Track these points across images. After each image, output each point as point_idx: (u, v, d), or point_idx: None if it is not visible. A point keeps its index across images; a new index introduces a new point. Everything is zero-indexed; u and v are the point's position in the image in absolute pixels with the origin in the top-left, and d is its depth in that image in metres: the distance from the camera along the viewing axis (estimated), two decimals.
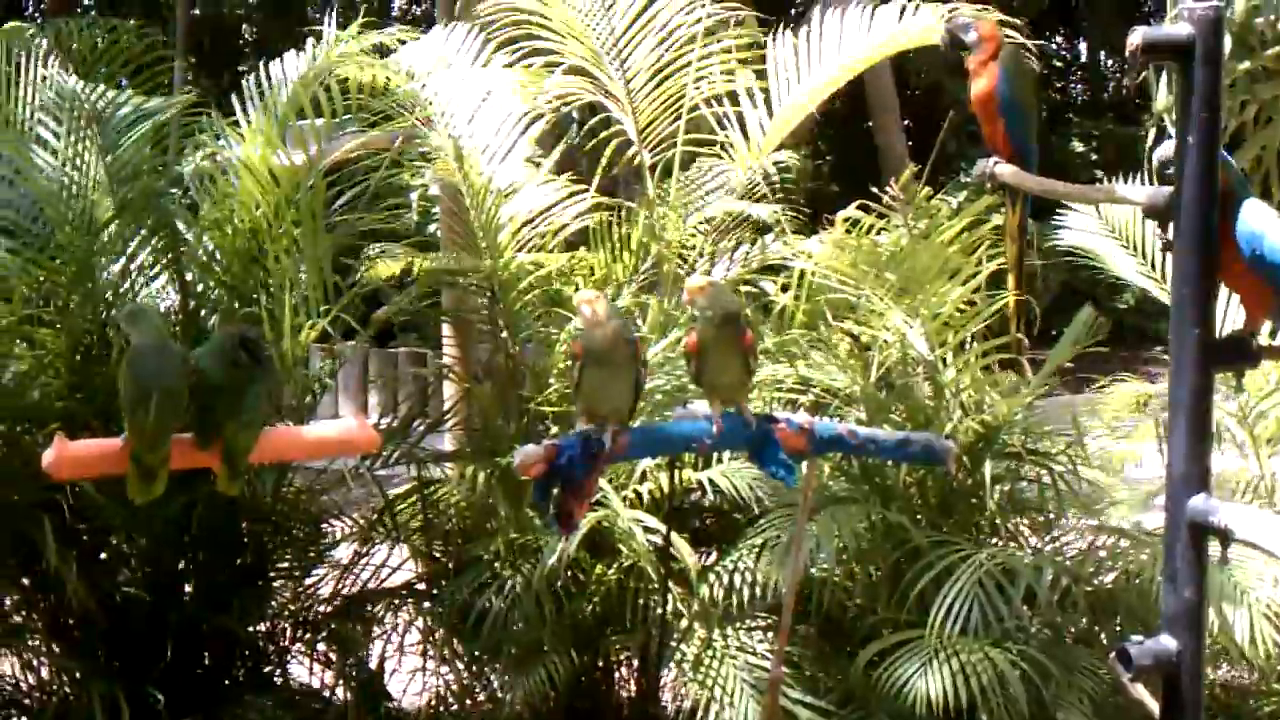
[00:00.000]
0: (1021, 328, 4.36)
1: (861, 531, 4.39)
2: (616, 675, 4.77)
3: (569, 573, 4.46)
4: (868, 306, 4.81)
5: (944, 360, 4.73)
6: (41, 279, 4.54)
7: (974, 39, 4.45)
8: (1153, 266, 5.33)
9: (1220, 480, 4.66)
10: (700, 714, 4.20)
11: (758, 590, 4.32)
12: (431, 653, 4.75)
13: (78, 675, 4.39)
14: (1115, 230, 5.51)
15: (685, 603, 4.41)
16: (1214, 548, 2.50)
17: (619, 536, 4.39)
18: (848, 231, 4.79)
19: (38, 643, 4.58)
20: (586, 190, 5.04)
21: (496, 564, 4.46)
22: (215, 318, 4.67)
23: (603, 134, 5.23)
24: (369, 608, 4.79)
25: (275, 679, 4.76)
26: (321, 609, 4.82)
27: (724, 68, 5.19)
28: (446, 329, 6.38)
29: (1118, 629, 4.37)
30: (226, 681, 4.63)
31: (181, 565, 4.57)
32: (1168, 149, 2.91)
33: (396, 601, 4.84)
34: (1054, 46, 23.74)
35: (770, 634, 4.37)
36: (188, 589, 4.64)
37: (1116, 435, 5.24)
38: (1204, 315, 2.53)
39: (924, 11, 4.91)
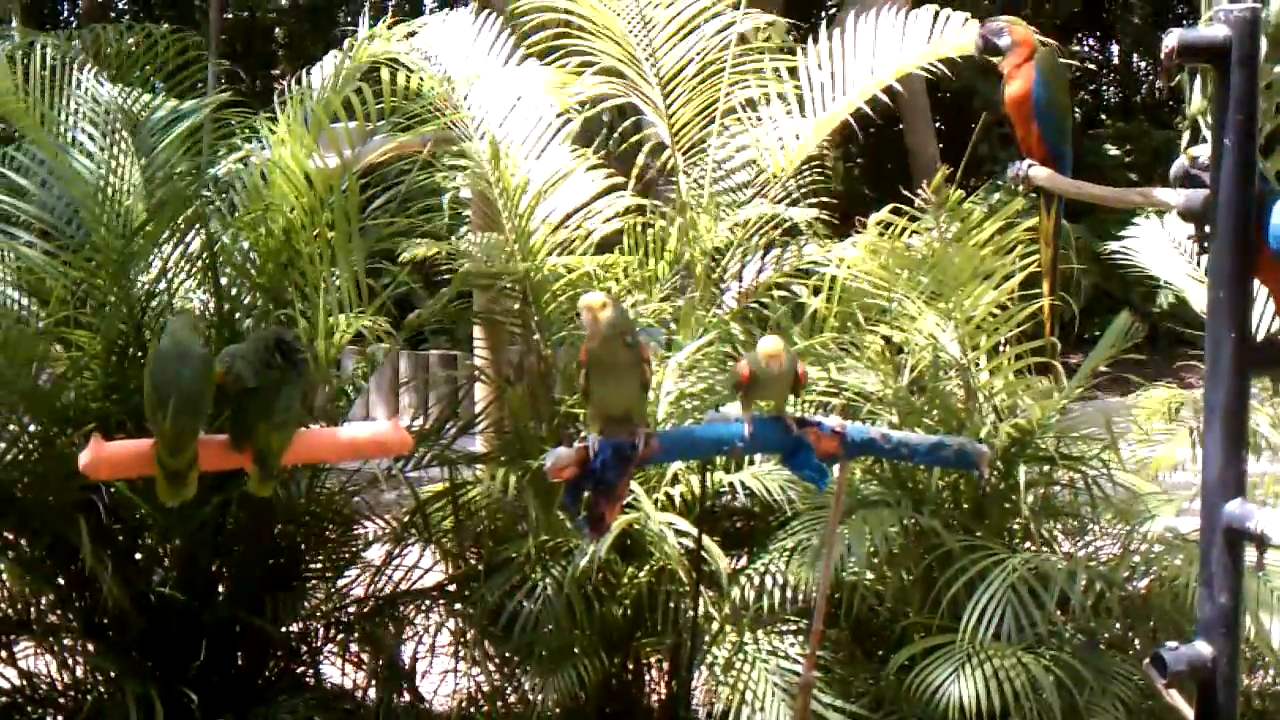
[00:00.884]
0: (1056, 331, 4.35)
1: (893, 535, 4.38)
2: (647, 678, 4.77)
3: (599, 575, 4.46)
4: (900, 310, 4.80)
5: (976, 364, 4.72)
6: (78, 281, 4.57)
7: (1007, 43, 4.44)
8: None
9: (1255, 485, 4.63)
10: (731, 717, 4.19)
11: (788, 593, 4.32)
12: (463, 654, 4.76)
13: (112, 674, 4.41)
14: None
15: (716, 605, 4.41)
16: (1250, 553, 2.48)
17: (650, 539, 4.39)
18: (880, 234, 4.77)
19: (73, 642, 4.61)
20: (622, 187, 5.04)
21: (527, 566, 4.47)
22: (249, 320, 4.70)
23: (634, 138, 5.24)
24: (400, 609, 4.80)
25: (308, 679, 4.78)
26: (353, 610, 4.84)
27: (756, 69, 5.18)
28: (478, 331, 6.41)
29: (1152, 635, 4.35)
30: (259, 681, 4.65)
31: (215, 566, 4.59)
32: (1180, 166, 2.91)
33: (428, 603, 4.85)
34: (1086, 49, 23.63)
35: (801, 637, 4.36)
36: (221, 589, 4.66)
37: (1145, 442, 5.21)
38: (1240, 319, 2.51)
39: (956, 20, 4.90)
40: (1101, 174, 16.45)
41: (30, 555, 4.50)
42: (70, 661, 4.60)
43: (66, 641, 4.58)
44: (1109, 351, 4.52)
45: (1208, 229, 2.57)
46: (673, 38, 5.18)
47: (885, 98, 5.32)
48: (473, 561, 4.86)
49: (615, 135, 5.53)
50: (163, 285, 4.61)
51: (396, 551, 4.87)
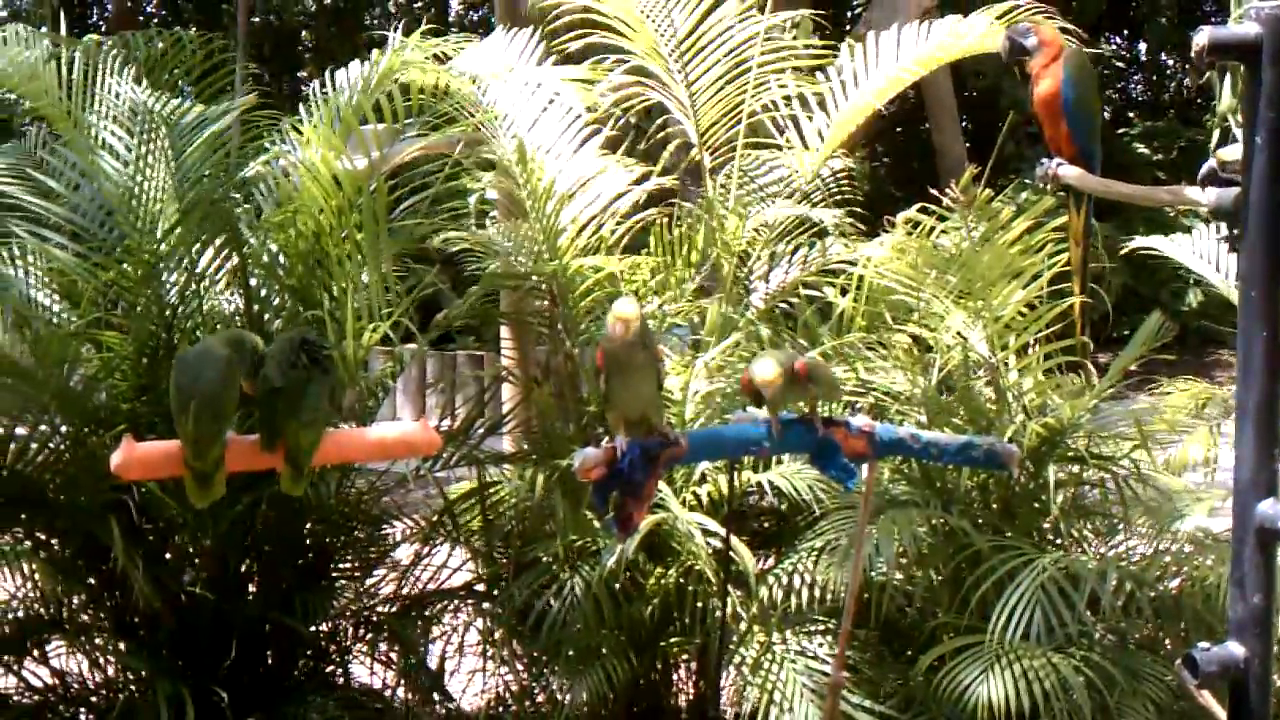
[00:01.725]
0: (1087, 330, 4.33)
1: (921, 535, 4.37)
2: (675, 678, 4.77)
3: (627, 575, 4.47)
4: (927, 309, 4.79)
5: (1005, 363, 4.70)
6: (109, 283, 4.61)
7: (1034, 44, 4.44)
8: None
9: None
10: (760, 718, 4.18)
11: (816, 593, 4.31)
12: (491, 653, 4.77)
13: (143, 674, 4.44)
14: None
15: (744, 605, 4.41)
16: None
17: (677, 539, 4.39)
18: (908, 234, 4.76)
19: (104, 641, 4.64)
20: (649, 178, 5.05)
21: (555, 566, 4.48)
22: (279, 321, 4.72)
23: (660, 135, 5.24)
24: (429, 608, 4.82)
25: (337, 679, 4.80)
26: (382, 609, 4.86)
27: (784, 69, 5.18)
28: (505, 331, 6.43)
29: (1183, 635, 4.32)
30: (288, 681, 4.67)
31: (245, 565, 4.62)
32: (1209, 168, 2.89)
33: (456, 603, 4.87)
34: (1114, 47, 23.51)
35: (829, 637, 4.35)
36: (251, 589, 4.69)
37: (1167, 441, 5.17)
38: (1273, 318, 2.49)
39: (981, 19, 4.89)
40: (1129, 172, 16.36)
41: (62, 555, 4.54)
42: (102, 661, 4.64)
43: (98, 641, 4.61)
44: (1140, 350, 4.49)
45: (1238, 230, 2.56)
46: (700, 37, 5.17)
47: (910, 94, 5.31)
48: (501, 561, 4.87)
49: (645, 134, 5.53)
50: (192, 288, 4.63)
51: (425, 551, 4.89)
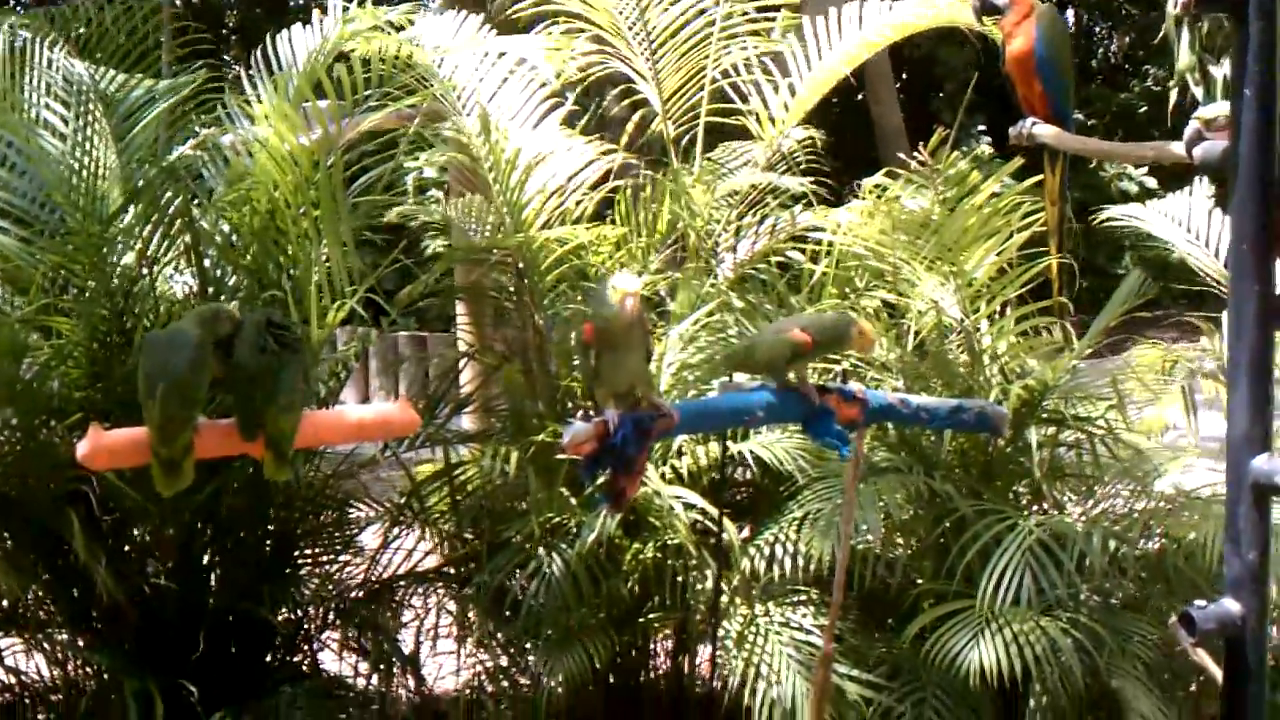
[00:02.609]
0: (1066, 291, 4.29)
1: (902, 502, 4.31)
2: (655, 653, 4.69)
3: (604, 552, 4.37)
4: (898, 274, 4.73)
5: (977, 327, 4.65)
6: (55, 267, 4.42)
7: (1005, 2, 4.38)
8: None
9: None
10: (747, 690, 4.11)
11: (800, 563, 4.24)
12: (466, 637, 4.67)
13: (106, 671, 4.29)
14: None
15: (726, 579, 4.33)
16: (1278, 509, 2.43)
17: (655, 514, 4.31)
18: (877, 198, 4.69)
19: (66, 637, 4.49)
20: (614, 153, 4.94)
21: (530, 545, 4.37)
22: (235, 302, 4.56)
23: (625, 102, 5.14)
24: (399, 593, 4.70)
25: (306, 668, 4.67)
26: (352, 595, 4.73)
27: (745, 35, 5.09)
28: (461, 308, 6.28)
29: (1167, 593, 4.30)
30: (258, 672, 4.54)
31: (209, 555, 4.47)
32: (1194, 129, 2.84)
33: (426, 586, 4.75)
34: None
35: (814, 608, 4.29)
36: (215, 579, 4.54)
37: (1142, 403, 5.15)
38: (1264, 272, 2.44)
39: None
40: None
41: (14, 549, 4.36)
42: (61, 657, 4.48)
43: (58, 637, 4.46)
44: (1120, 310, 4.45)
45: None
46: (662, 4, 5.07)
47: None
48: (473, 543, 4.75)
49: (606, 100, 5.42)
50: (144, 270, 4.46)
51: (393, 535, 4.77)
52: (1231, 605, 2.44)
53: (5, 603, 4.45)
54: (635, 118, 5.22)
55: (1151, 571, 4.38)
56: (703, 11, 5.08)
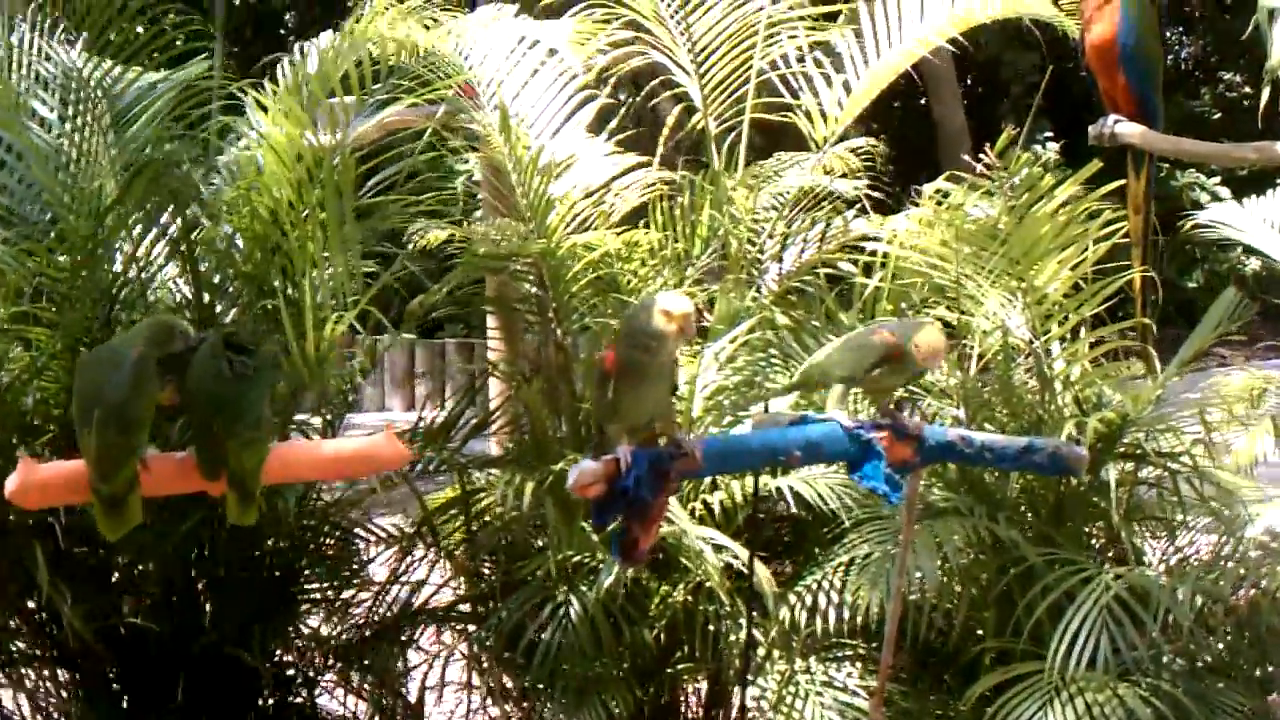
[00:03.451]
0: (1152, 312, 3.81)
1: (962, 547, 3.84)
2: (684, 710, 4.23)
3: (629, 595, 3.94)
4: (960, 289, 4.26)
5: (1048, 350, 4.17)
6: (39, 272, 4.05)
7: None
8: None
9: None
10: None
11: (845, 615, 3.79)
12: (477, 683, 4.26)
13: (85, 714, 3.93)
14: None
15: (763, 629, 3.89)
16: None
17: (686, 554, 3.87)
18: (938, 205, 4.24)
19: (46, 672, 4.13)
20: (648, 164, 4.51)
21: (549, 584, 3.95)
22: (234, 311, 4.20)
23: (662, 96, 4.71)
24: (406, 633, 4.30)
25: (304, 712, 4.28)
26: (355, 634, 4.33)
27: (799, 21, 4.65)
28: (491, 320, 5.87)
29: (1261, 655, 3.82)
30: (250, 716, 4.15)
31: (199, 590, 4.09)
32: None
33: (437, 626, 4.35)
34: None
35: (860, 665, 3.84)
36: (208, 612, 4.16)
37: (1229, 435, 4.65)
38: None
39: None
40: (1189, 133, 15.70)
41: None
42: (38, 693, 4.12)
43: (42, 673, 4.10)
44: (1215, 331, 3.94)
45: None
46: None
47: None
48: (489, 577, 4.34)
49: (643, 92, 4.99)
50: (134, 274, 4.09)
51: (402, 569, 4.36)
52: None
53: None
54: (675, 112, 4.76)
55: (1241, 629, 3.88)
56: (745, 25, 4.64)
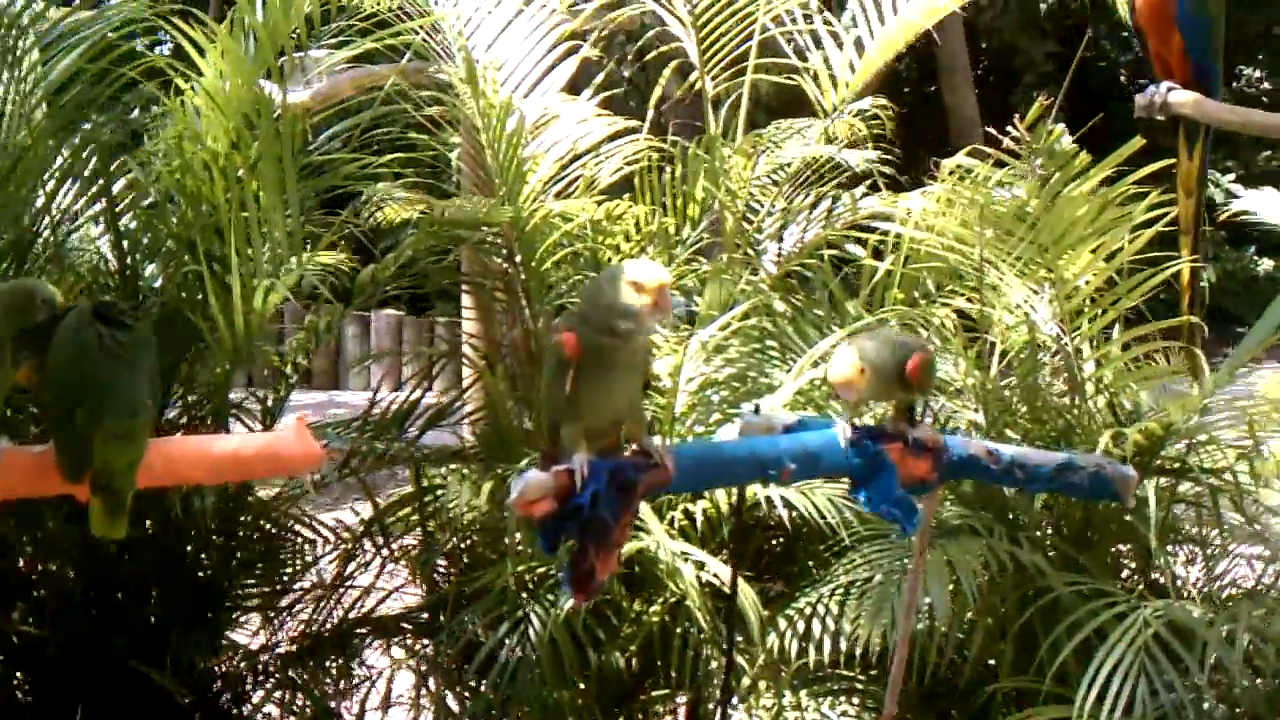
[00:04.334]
0: (1198, 310, 3.33)
1: (978, 570, 3.36)
2: None
3: (597, 612, 3.47)
4: (981, 278, 3.78)
5: (1079, 350, 3.69)
6: None
7: None
8: None
9: None
10: None
11: (842, 644, 3.31)
12: (426, 703, 3.80)
13: None
14: None
15: (748, 657, 3.41)
16: None
17: (662, 570, 3.40)
18: (958, 181, 3.75)
19: None
20: (637, 129, 4.03)
21: (506, 598, 3.48)
22: (161, 279, 3.73)
23: (654, 53, 4.23)
24: (348, 647, 3.83)
25: None
26: (291, 647, 3.86)
27: None
28: (466, 299, 5.39)
29: None
30: None
31: (108, 596, 3.61)
32: None
33: (386, 637, 3.89)
34: None
35: (859, 700, 3.37)
36: (121, 619, 3.68)
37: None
38: None
39: None
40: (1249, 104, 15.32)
41: None
42: None
43: None
44: (1273, 335, 3.43)
45: None
46: None
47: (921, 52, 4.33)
48: (444, 588, 3.87)
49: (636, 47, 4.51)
50: (48, 233, 3.62)
51: (347, 574, 3.89)
52: None
53: None
54: (668, 70, 4.28)
55: None
56: None
